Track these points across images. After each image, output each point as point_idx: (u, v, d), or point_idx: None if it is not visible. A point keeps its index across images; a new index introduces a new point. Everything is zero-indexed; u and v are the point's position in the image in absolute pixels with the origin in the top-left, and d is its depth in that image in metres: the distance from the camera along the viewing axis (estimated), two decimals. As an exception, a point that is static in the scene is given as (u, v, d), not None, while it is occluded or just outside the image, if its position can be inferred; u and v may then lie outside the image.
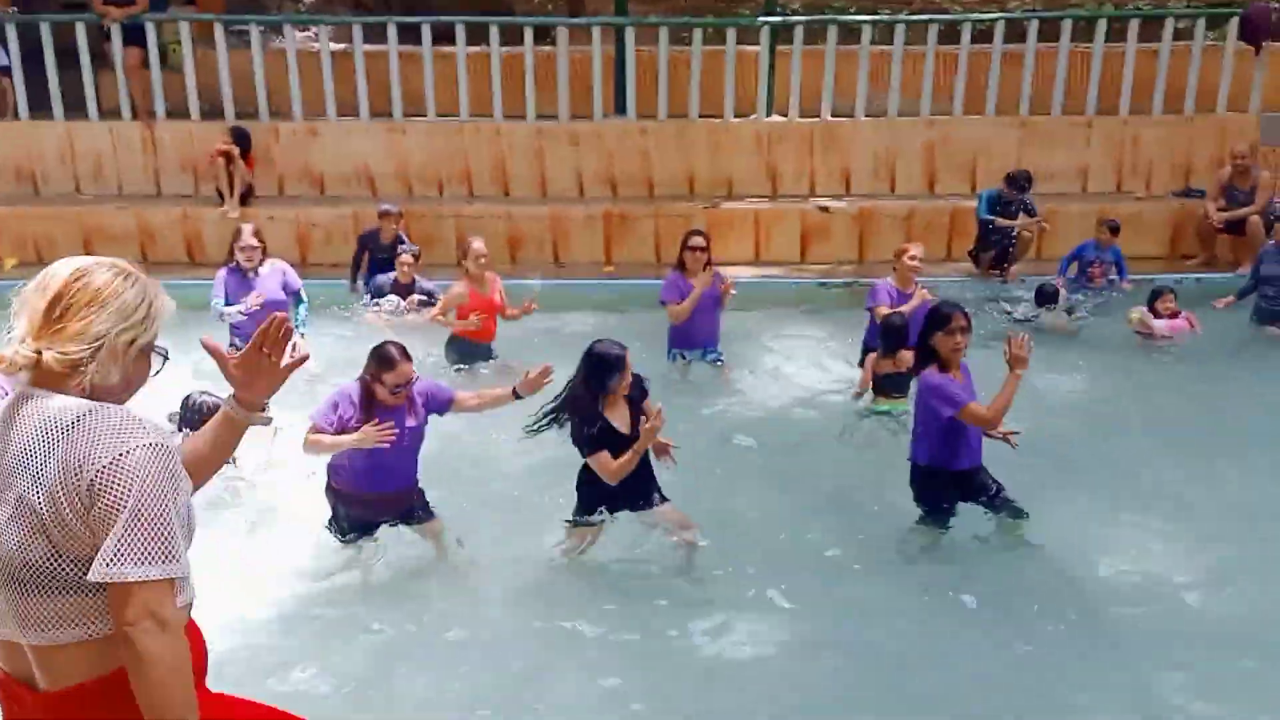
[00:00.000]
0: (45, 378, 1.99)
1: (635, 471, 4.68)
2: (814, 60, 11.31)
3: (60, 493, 1.90)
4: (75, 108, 11.01)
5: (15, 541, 1.94)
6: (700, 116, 11.25)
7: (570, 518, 4.95)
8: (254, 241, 7.35)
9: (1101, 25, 11.16)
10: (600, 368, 4.68)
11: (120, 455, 1.91)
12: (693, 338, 7.40)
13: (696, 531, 4.96)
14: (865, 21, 11.47)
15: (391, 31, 10.99)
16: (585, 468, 4.80)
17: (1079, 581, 4.83)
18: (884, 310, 6.98)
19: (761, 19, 11.58)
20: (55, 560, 1.93)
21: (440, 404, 4.88)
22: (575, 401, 4.72)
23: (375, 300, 8.46)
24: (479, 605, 4.68)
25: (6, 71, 11.04)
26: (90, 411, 1.95)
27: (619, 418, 4.74)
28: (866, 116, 11.27)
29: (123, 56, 10.86)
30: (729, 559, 4.99)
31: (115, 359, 2.01)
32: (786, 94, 11.24)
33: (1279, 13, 10.90)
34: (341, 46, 11.57)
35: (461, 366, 7.47)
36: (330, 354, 7.09)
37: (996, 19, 11.51)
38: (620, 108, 11.45)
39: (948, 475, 5.03)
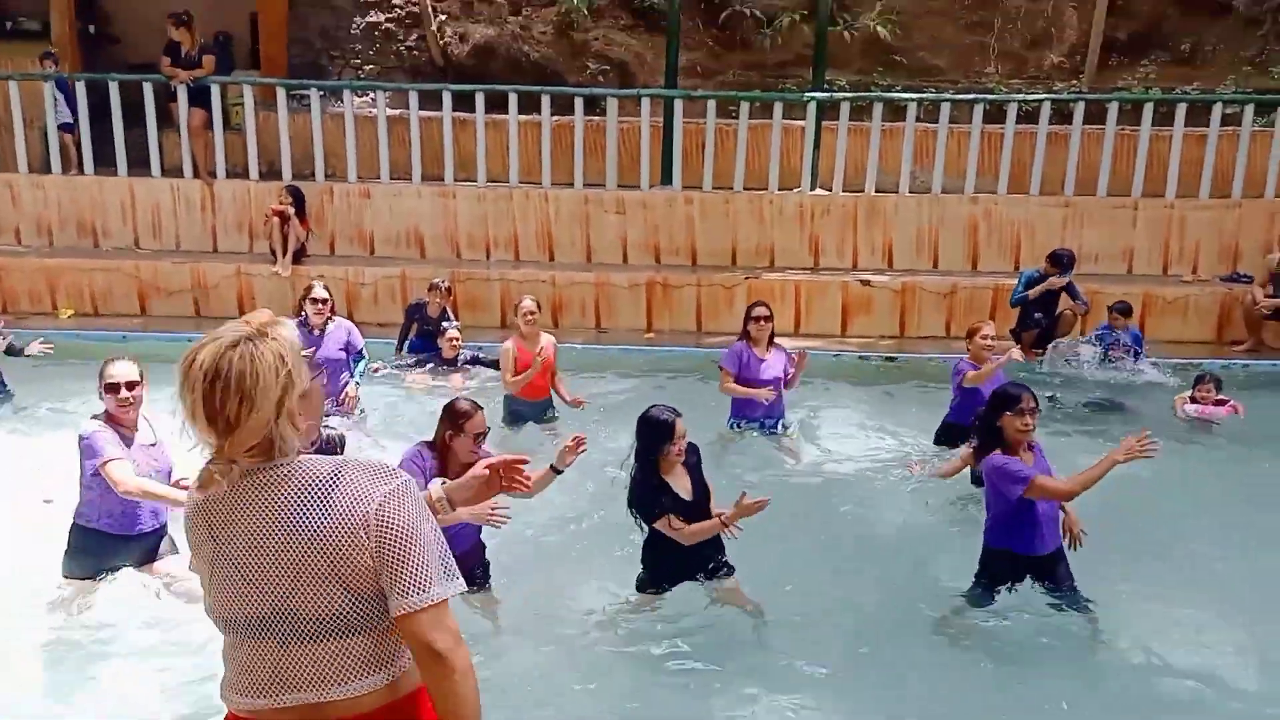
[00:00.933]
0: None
1: (709, 541, 4.71)
2: (859, 136, 11.45)
3: (343, 543, 2.03)
4: (139, 164, 11.39)
5: (314, 600, 2.06)
6: (745, 188, 11.39)
7: (637, 588, 4.97)
8: (323, 295, 7.59)
9: (1149, 109, 11.19)
10: (651, 432, 4.74)
11: (386, 495, 2.06)
12: (751, 409, 7.43)
13: (753, 606, 4.99)
14: (911, 99, 11.60)
15: (446, 99, 11.29)
16: (652, 536, 4.82)
17: (1125, 666, 4.74)
18: (971, 374, 7.05)
19: (808, 94, 11.76)
20: (358, 604, 2.08)
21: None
22: (638, 470, 4.78)
23: (418, 361, 8.67)
24: (518, 666, 4.68)
25: (71, 129, 11.47)
26: (343, 466, 2.10)
27: (680, 485, 4.77)
28: (910, 192, 11.35)
29: (187, 116, 11.24)
30: (777, 629, 4.98)
31: (290, 427, 2.09)
32: (831, 168, 11.37)
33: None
34: (397, 112, 11.90)
35: (517, 429, 7.54)
36: (382, 413, 7.21)
37: (1043, 100, 11.60)
38: (666, 178, 11.63)
39: (1021, 559, 4.90)
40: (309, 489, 2.05)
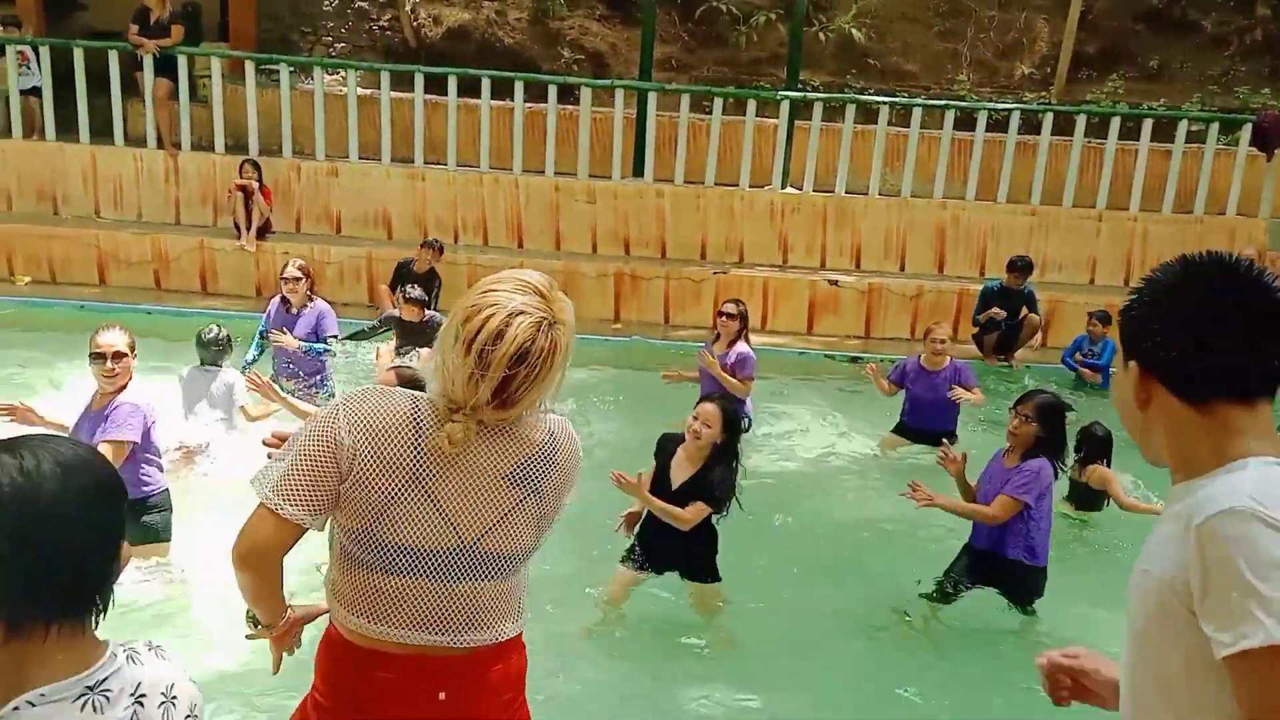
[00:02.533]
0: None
1: (668, 534, 4.68)
2: (831, 137, 11.50)
3: (555, 496, 2.21)
4: (101, 133, 11.17)
5: (511, 538, 2.17)
6: (716, 183, 11.40)
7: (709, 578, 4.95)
8: (295, 274, 7.47)
9: (1115, 123, 11.34)
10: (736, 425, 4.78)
11: (577, 448, 2.27)
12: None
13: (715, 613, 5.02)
14: (883, 103, 11.67)
15: (418, 80, 11.19)
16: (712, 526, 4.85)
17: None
18: (882, 382, 7.38)
19: (781, 93, 11.79)
20: (535, 538, 2.23)
21: None
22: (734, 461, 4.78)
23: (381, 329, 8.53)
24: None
25: (36, 92, 11.23)
26: (556, 426, 2.22)
27: (680, 471, 4.71)
28: (880, 195, 11.42)
29: (153, 86, 11.04)
30: (743, 625, 4.99)
31: (549, 400, 2.19)
32: (802, 167, 11.41)
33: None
34: (368, 91, 11.77)
35: None
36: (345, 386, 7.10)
37: (1012, 109, 11.71)
38: (638, 170, 11.61)
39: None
40: (538, 448, 2.16)
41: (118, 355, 4.51)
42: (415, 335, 8.40)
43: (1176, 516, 1.50)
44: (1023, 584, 4.94)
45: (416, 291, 8.43)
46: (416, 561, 2.09)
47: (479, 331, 2.01)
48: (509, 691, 2.25)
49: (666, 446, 4.82)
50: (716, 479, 4.66)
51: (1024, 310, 9.84)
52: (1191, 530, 1.42)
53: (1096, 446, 6.19)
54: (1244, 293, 1.51)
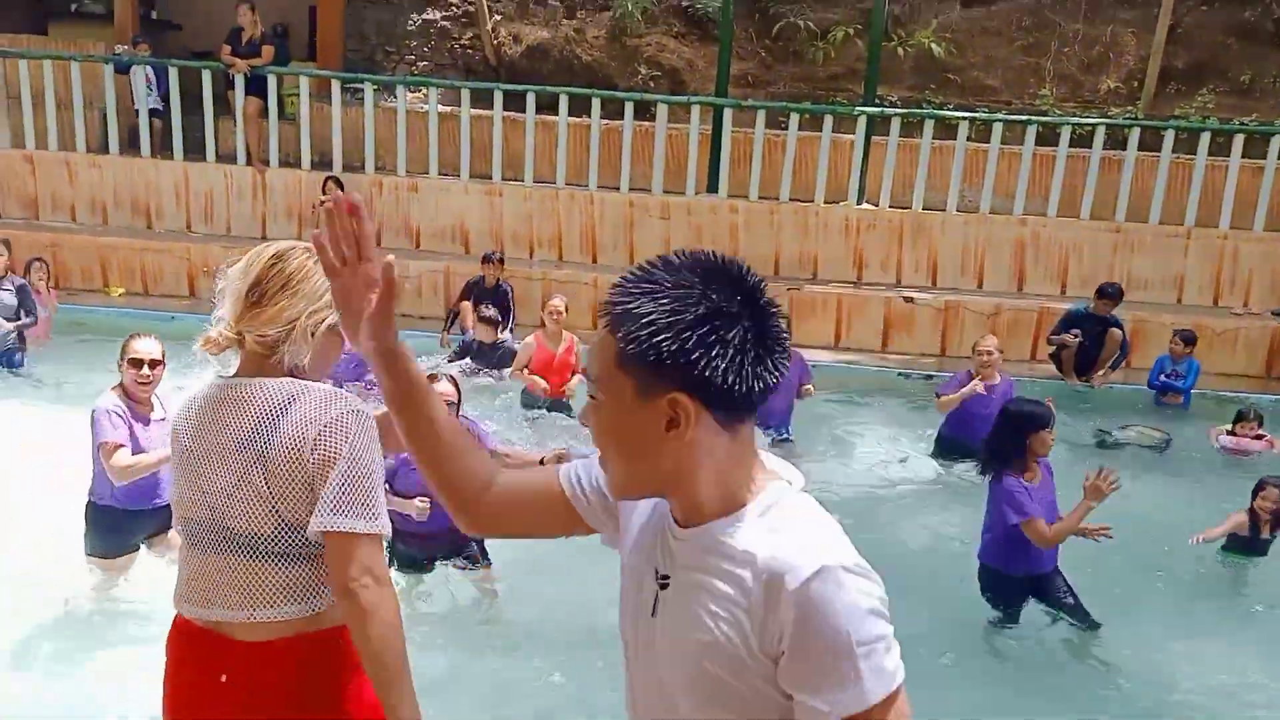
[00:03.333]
0: (247, 361, 2.18)
1: None
2: (908, 152, 11.39)
3: (284, 466, 2.06)
4: (194, 149, 11.57)
5: (244, 516, 2.10)
6: (791, 199, 11.37)
7: None
8: None
9: (1205, 138, 11.03)
10: None
11: (333, 418, 2.07)
12: (763, 417, 7.39)
13: None
14: (962, 118, 11.53)
15: (498, 97, 11.37)
16: None
17: (1145, 697, 4.67)
18: (948, 398, 7.23)
19: (859, 109, 11.72)
20: (284, 531, 2.10)
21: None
22: None
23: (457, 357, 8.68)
24: (516, 659, 4.67)
25: (155, 113, 11.67)
26: (303, 390, 2.12)
27: None
28: (958, 211, 11.27)
29: (244, 104, 11.41)
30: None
31: (306, 339, 2.15)
32: (878, 183, 11.32)
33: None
34: (449, 109, 12.00)
35: (534, 413, 7.57)
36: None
37: (1097, 124, 11.47)
38: (713, 185, 11.63)
39: (1015, 579, 4.96)
40: (269, 407, 2.10)
41: (154, 363, 4.66)
42: (486, 358, 8.55)
43: (731, 571, 1.36)
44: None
45: (491, 311, 8.59)
46: (185, 530, 2.20)
47: (247, 255, 2.20)
48: (290, 707, 2.11)
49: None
50: None
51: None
52: (787, 594, 1.31)
53: None
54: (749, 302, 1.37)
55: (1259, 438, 7.96)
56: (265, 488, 2.07)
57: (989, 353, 7.30)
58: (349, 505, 2.04)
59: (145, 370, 4.61)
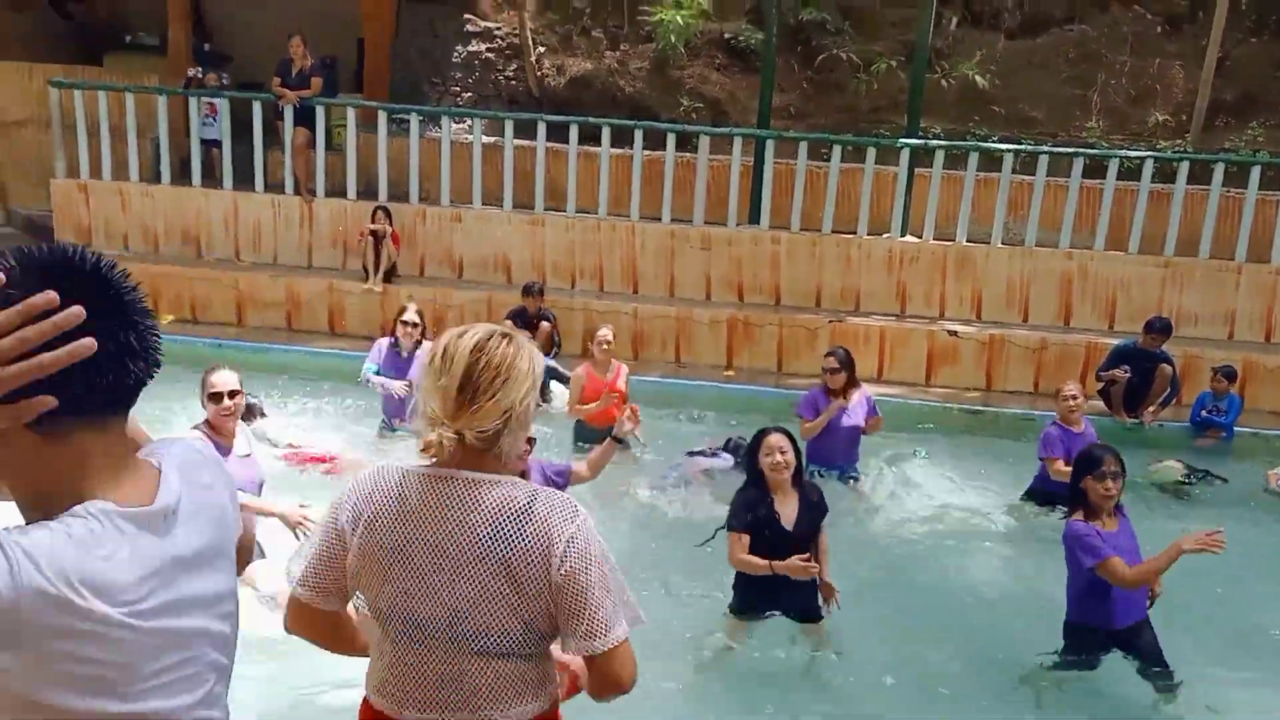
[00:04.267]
0: (462, 454, 2.10)
1: (799, 585, 4.72)
2: (952, 184, 11.32)
3: (532, 581, 2.05)
4: (243, 179, 11.76)
5: (489, 623, 2.08)
6: (833, 231, 11.33)
7: (728, 609, 4.99)
8: (414, 319, 7.74)
9: (1255, 171, 10.86)
10: (752, 440, 4.88)
11: (577, 529, 2.07)
12: (828, 455, 7.34)
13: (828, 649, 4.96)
14: (1007, 150, 11.44)
15: (541, 129, 11.46)
16: None
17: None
18: (1059, 465, 6.79)
19: (902, 141, 11.68)
20: (531, 636, 2.11)
21: (559, 477, 5.02)
22: (745, 482, 4.86)
23: None
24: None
25: (217, 144, 11.91)
26: (534, 495, 2.10)
27: (786, 510, 4.74)
28: (1003, 244, 11.16)
29: (292, 135, 11.59)
30: (854, 673, 4.90)
31: (522, 425, 2.14)
32: (922, 215, 11.25)
33: None
34: (492, 140, 12.11)
35: (586, 446, 7.56)
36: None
37: (1145, 157, 11.34)
38: (754, 217, 11.62)
39: (1100, 633, 4.75)
40: (506, 513, 2.07)
41: (232, 393, 4.80)
42: None
43: None
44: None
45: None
46: (409, 631, 2.12)
47: (443, 340, 2.16)
48: None
49: (755, 497, 4.79)
50: (818, 498, 4.88)
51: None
52: None
53: None
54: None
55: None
56: (514, 598, 2.06)
57: (1073, 397, 7.06)
58: (618, 614, 2.09)
59: (226, 402, 4.79)
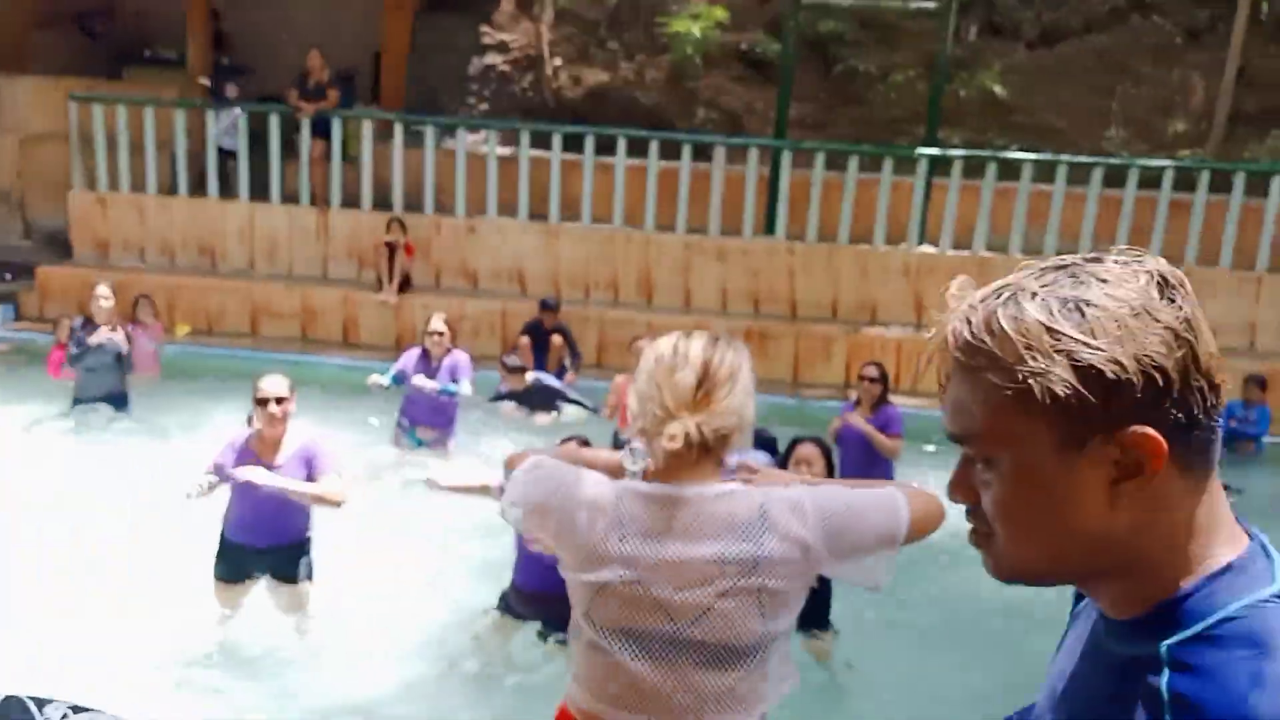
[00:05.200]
0: (680, 464, 2.07)
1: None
2: (970, 194, 11.24)
3: (776, 571, 2.04)
4: (259, 191, 11.80)
5: (718, 632, 2.05)
6: (850, 242, 11.26)
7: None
8: (440, 328, 7.74)
9: (1277, 181, 10.74)
10: (784, 455, 4.84)
11: (797, 500, 2.09)
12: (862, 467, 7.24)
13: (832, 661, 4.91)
14: (1026, 159, 11.35)
15: (556, 140, 11.45)
16: None
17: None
18: None
19: (920, 150, 11.61)
20: (765, 627, 2.08)
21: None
22: None
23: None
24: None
25: (234, 154, 11.97)
26: (767, 500, 2.07)
27: None
28: (1021, 254, 11.06)
29: (309, 147, 11.63)
30: (863, 683, 4.82)
31: (746, 430, 2.14)
32: (939, 225, 11.17)
33: None
34: (508, 150, 12.12)
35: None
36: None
37: (1165, 166, 11.23)
38: (770, 227, 11.57)
39: None
40: (750, 523, 2.04)
41: (280, 400, 4.74)
42: (531, 400, 8.67)
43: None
44: None
45: (513, 360, 8.89)
46: (630, 643, 2.08)
47: (662, 344, 2.13)
48: None
49: None
50: None
51: None
52: None
53: None
54: None
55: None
56: (757, 597, 2.05)
57: None
58: (883, 503, 2.12)
59: (273, 408, 4.75)
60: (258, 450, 4.80)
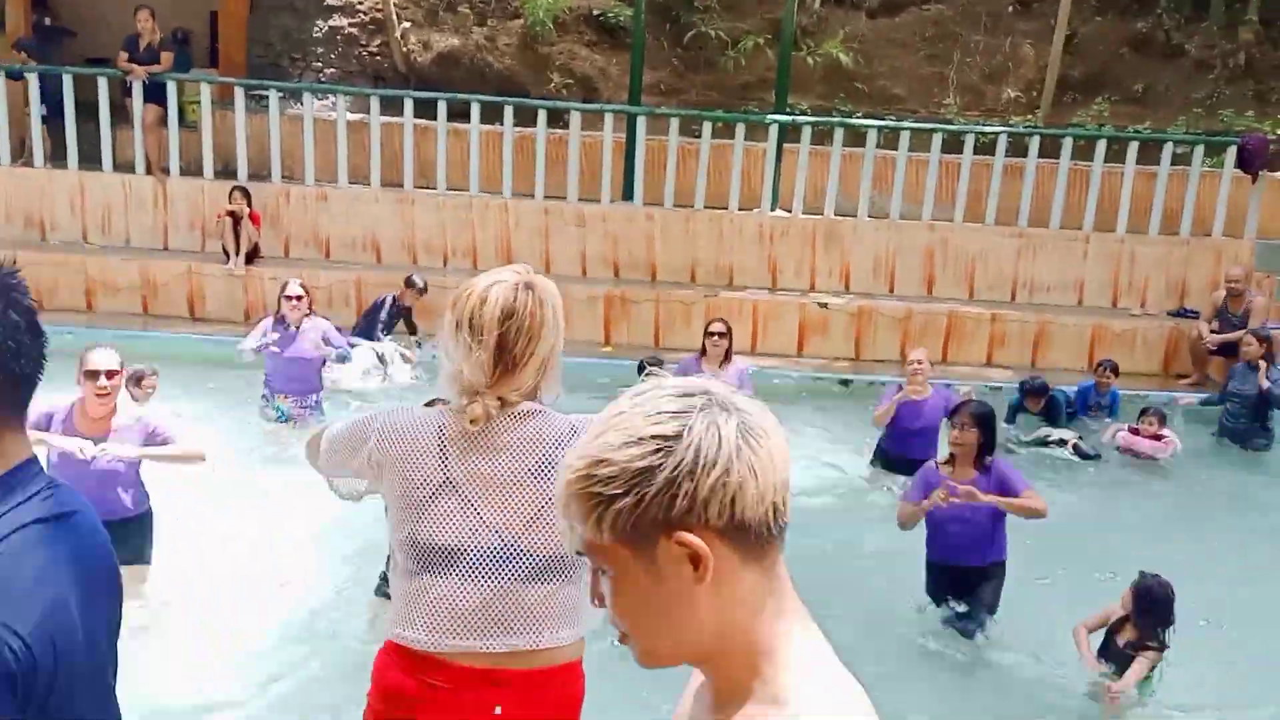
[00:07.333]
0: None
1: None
2: (820, 160, 11.54)
3: None
4: (89, 159, 11.15)
5: (537, 545, 2.17)
6: (705, 207, 11.43)
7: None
8: (298, 291, 7.50)
9: (1101, 145, 11.41)
10: None
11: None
12: None
13: None
14: (871, 126, 11.73)
15: (408, 106, 11.21)
16: None
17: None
18: (880, 411, 7.21)
19: (771, 117, 11.84)
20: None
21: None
22: None
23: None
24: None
25: (48, 122, 11.21)
26: (579, 420, 2.17)
27: None
28: (869, 217, 11.45)
29: (142, 112, 11.04)
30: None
31: (554, 369, 2.25)
32: (791, 190, 11.44)
33: (1276, 144, 11.17)
34: (358, 116, 11.79)
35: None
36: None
37: (999, 132, 11.78)
38: (628, 193, 11.63)
39: (935, 568, 5.22)
40: (561, 436, 2.15)
41: (111, 373, 4.48)
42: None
43: None
44: (1000, 583, 5.15)
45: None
46: (455, 561, 2.17)
47: (465, 305, 2.18)
48: (568, 716, 2.28)
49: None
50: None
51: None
52: None
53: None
54: None
55: (1158, 438, 8.19)
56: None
57: (919, 363, 7.09)
58: None
59: (102, 381, 4.41)
60: (80, 426, 4.46)
